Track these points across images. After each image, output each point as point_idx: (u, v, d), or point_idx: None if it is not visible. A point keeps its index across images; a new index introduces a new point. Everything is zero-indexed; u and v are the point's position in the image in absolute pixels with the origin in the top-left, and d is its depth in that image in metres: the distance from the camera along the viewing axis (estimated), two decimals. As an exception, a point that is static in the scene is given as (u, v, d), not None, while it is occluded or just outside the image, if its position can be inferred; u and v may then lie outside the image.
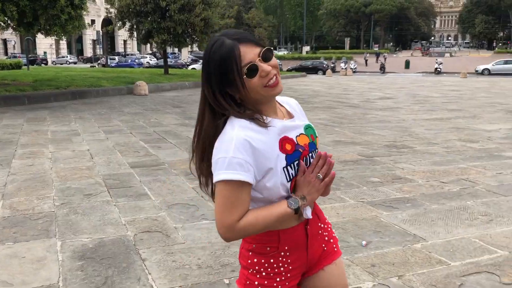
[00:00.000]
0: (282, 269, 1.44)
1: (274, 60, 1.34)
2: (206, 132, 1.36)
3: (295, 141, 1.38)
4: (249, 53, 1.30)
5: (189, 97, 15.74)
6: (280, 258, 1.43)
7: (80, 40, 69.56)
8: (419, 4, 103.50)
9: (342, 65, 41.60)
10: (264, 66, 1.31)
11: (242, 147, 1.27)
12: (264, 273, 1.44)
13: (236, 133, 1.29)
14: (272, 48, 1.32)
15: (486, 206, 4.43)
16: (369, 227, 3.87)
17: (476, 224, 3.95)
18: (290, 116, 1.46)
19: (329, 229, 1.59)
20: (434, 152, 6.99)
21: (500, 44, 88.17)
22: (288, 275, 1.45)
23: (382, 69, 43.17)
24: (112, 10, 23.41)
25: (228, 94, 1.33)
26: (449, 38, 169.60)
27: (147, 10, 21.71)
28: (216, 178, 1.29)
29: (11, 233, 3.67)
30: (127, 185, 5.05)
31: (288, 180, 1.34)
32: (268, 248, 1.43)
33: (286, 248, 1.43)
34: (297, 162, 1.36)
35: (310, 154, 1.41)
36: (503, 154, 6.87)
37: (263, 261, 1.44)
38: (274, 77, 1.33)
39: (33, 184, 5.05)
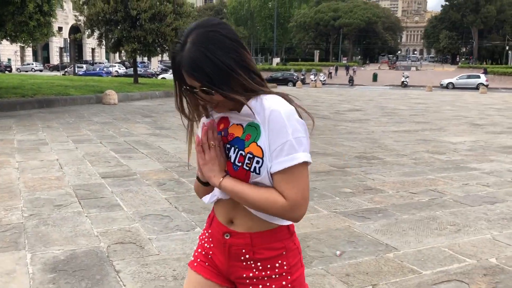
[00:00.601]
0: (204, 242, 1.49)
1: (217, 97, 1.27)
2: None
3: (229, 125, 1.35)
4: (188, 80, 1.29)
5: (160, 107, 15.61)
6: (208, 237, 1.47)
7: (46, 47, 68.10)
8: (386, 18, 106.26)
9: (312, 77, 42.19)
10: (201, 94, 1.29)
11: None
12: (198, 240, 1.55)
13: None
14: (210, 91, 1.26)
15: (454, 216, 4.56)
16: (342, 237, 3.92)
17: (445, 234, 4.06)
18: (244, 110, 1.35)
19: (263, 272, 1.36)
20: (403, 163, 7.16)
21: (463, 59, 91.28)
22: (209, 253, 1.45)
23: (351, 81, 43.98)
24: (81, 17, 23.07)
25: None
26: (415, 52, 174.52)
27: (117, 19, 21.50)
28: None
29: (-22, 246, 3.55)
30: (99, 195, 4.97)
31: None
32: (206, 220, 1.53)
33: (210, 231, 1.47)
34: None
35: (228, 146, 1.33)
36: (469, 165, 7.10)
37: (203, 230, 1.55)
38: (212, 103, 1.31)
39: (0, 195, 4.89)
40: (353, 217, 4.46)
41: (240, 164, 1.29)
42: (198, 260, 1.48)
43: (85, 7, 22.24)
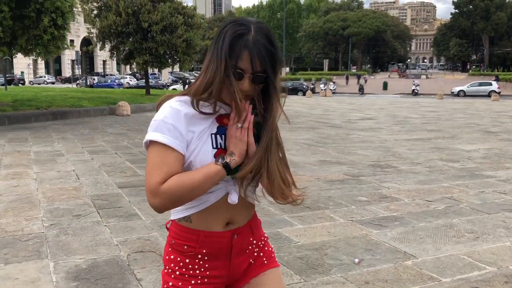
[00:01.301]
0: (197, 272, 1.38)
1: (259, 87, 1.31)
2: None
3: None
4: (247, 62, 1.27)
5: (172, 118, 15.73)
6: (197, 261, 1.37)
7: (58, 60, 69.01)
8: (395, 27, 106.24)
9: (322, 86, 42.22)
10: (245, 85, 1.28)
11: (175, 114, 1.30)
12: (178, 273, 1.38)
13: (172, 103, 1.33)
14: (265, 77, 1.30)
15: (472, 224, 4.54)
16: (360, 245, 3.93)
17: (463, 241, 4.05)
18: None
19: (261, 244, 1.50)
20: (418, 171, 7.14)
21: (473, 66, 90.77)
22: (205, 280, 1.38)
23: (361, 90, 43.94)
24: (93, 30, 23.41)
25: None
26: (425, 60, 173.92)
27: (129, 31, 21.78)
28: (145, 138, 1.32)
29: (2, 255, 3.61)
30: (117, 205, 5.03)
31: (214, 147, 1.31)
32: (186, 247, 1.37)
33: (205, 251, 1.37)
34: (224, 135, 1.33)
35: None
36: (483, 173, 7.07)
37: (179, 259, 1.38)
38: (247, 98, 1.32)
39: (20, 205, 4.98)
40: (370, 225, 4.47)
41: None
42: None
43: (97, 20, 22.59)
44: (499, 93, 36.09)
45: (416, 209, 5.05)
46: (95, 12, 22.78)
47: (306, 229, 4.31)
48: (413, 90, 41.16)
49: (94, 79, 48.85)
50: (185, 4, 24.03)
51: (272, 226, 4.33)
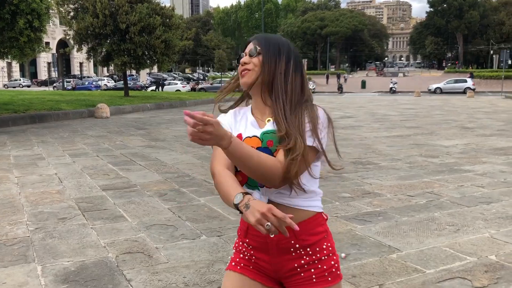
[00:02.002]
0: (246, 253, 1.56)
1: (258, 60, 1.52)
2: None
3: (242, 139, 1.50)
4: (249, 47, 1.56)
5: (152, 119, 15.65)
6: (246, 246, 1.56)
7: (34, 62, 67.75)
8: (372, 26, 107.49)
9: (301, 85, 42.32)
10: (244, 58, 1.55)
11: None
12: (233, 250, 1.62)
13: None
14: (257, 48, 1.54)
15: (452, 217, 4.67)
16: (346, 240, 4.01)
17: (445, 234, 4.17)
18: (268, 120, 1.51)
19: (312, 253, 1.50)
20: (398, 167, 7.28)
21: (449, 64, 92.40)
22: (252, 259, 1.53)
23: (340, 89, 44.32)
24: (70, 32, 23.09)
25: None
26: (402, 58, 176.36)
27: (107, 32, 21.55)
28: None
29: (-13, 260, 3.58)
30: (102, 207, 5.01)
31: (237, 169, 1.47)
32: (239, 233, 1.60)
33: (247, 241, 1.54)
34: None
35: None
36: (462, 168, 7.25)
37: (236, 240, 1.63)
38: (245, 69, 1.52)
39: (3, 210, 4.92)
40: (354, 220, 4.55)
41: None
42: (242, 264, 1.56)
43: (74, 21, 22.28)
44: (474, 89, 36.85)
45: (399, 204, 5.17)
46: (72, 14, 22.47)
47: (292, 226, 4.37)
48: (391, 88, 41.69)
49: (74, 82, 48.17)
50: (163, 5, 23.89)
51: (259, 224, 4.37)
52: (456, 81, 41.82)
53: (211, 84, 45.87)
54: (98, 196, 5.47)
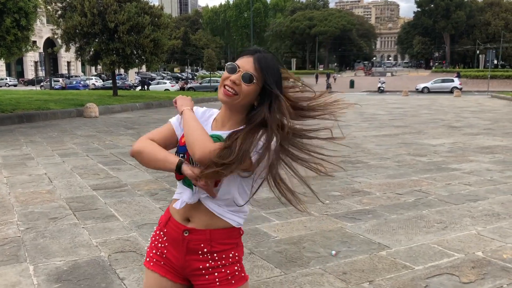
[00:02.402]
0: (160, 245, 1.65)
1: (250, 88, 1.53)
2: None
3: None
4: (246, 64, 1.54)
5: (141, 119, 15.61)
6: (162, 235, 1.65)
7: (20, 61, 66.98)
8: (361, 26, 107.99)
9: (290, 85, 42.49)
10: (235, 76, 1.53)
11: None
12: (150, 240, 1.71)
13: None
14: (254, 79, 1.52)
15: (440, 214, 4.75)
16: (336, 238, 4.06)
17: (433, 231, 4.24)
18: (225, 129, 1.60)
19: (218, 260, 1.59)
20: (387, 166, 7.37)
21: (436, 63, 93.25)
22: (164, 256, 1.63)
23: (328, 88, 44.54)
24: (57, 31, 22.90)
25: None
26: (390, 58, 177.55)
27: (95, 32, 21.42)
28: None
29: (-21, 260, 3.57)
30: (93, 207, 5.01)
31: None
32: (160, 222, 1.70)
33: (165, 231, 1.64)
34: (182, 155, 1.57)
35: None
36: (450, 166, 7.35)
37: (155, 228, 1.73)
38: (232, 89, 1.52)
39: (-7, 210, 4.89)
40: (345, 218, 4.61)
41: None
42: (154, 260, 1.65)
43: (62, 20, 22.11)
44: (461, 89, 37.25)
45: (388, 202, 5.24)
46: (59, 12, 22.29)
47: (284, 224, 4.42)
48: (379, 87, 41.96)
49: (64, 81, 47.70)
50: (151, 4, 23.81)
51: (250, 223, 4.41)
52: (443, 81, 42.28)
53: (200, 83, 45.78)
54: (89, 196, 5.47)
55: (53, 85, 43.79)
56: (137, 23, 21.48)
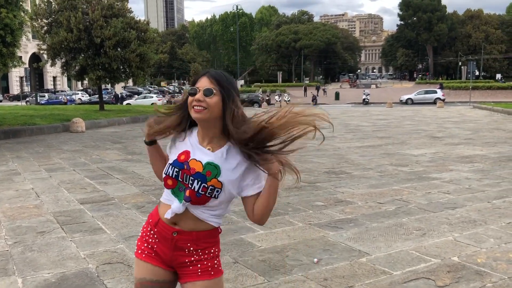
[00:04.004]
0: (150, 240, 1.86)
1: (213, 100, 1.73)
2: None
3: (189, 159, 1.78)
4: (203, 83, 1.76)
5: (128, 133, 15.66)
6: (151, 232, 1.86)
7: (5, 77, 66.46)
8: (345, 39, 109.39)
9: (276, 97, 42.90)
10: (199, 95, 1.74)
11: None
12: (140, 234, 1.93)
13: None
14: (213, 91, 1.75)
15: (419, 222, 4.92)
16: (318, 246, 4.19)
17: (412, 238, 4.40)
18: (214, 150, 1.79)
19: (202, 255, 1.83)
20: (370, 176, 7.54)
21: (420, 75, 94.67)
22: (154, 247, 1.84)
23: (314, 100, 44.94)
24: (43, 46, 22.92)
25: None
26: (374, 70, 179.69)
27: (81, 47, 21.50)
28: None
29: (-32, 274, 3.62)
30: (80, 220, 5.08)
31: (165, 173, 1.80)
32: (150, 220, 1.90)
33: (156, 230, 1.85)
34: (177, 170, 1.77)
35: (192, 178, 1.75)
36: (430, 175, 7.55)
37: (145, 225, 1.93)
38: (199, 106, 1.72)
39: (-20, 225, 4.94)
40: (327, 227, 4.75)
41: (203, 193, 1.74)
42: (146, 252, 1.87)
43: (48, 36, 22.16)
44: (443, 100, 37.92)
45: (369, 211, 5.39)
46: (45, 28, 22.34)
47: (268, 234, 4.54)
48: (364, 99, 42.52)
49: (67, 96, 47.73)
50: (138, 19, 23.96)
51: (235, 233, 4.53)
52: (427, 92, 43.01)
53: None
54: (76, 210, 5.54)
55: (39, 100, 43.47)
56: (123, 38, 21.61)
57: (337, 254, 3.99)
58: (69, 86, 73.06)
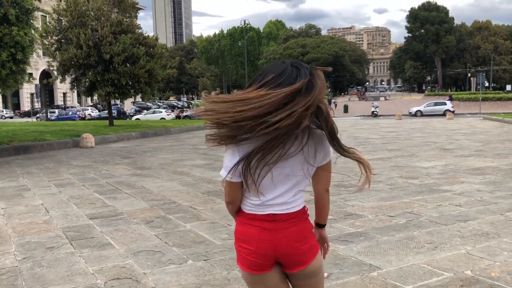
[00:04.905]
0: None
1: None
2: None
3: None
4: None
5: (137, 148, 15.73)
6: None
7: (16, 93, 67.36)
8: (353, 52, 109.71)
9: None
10: None
11: None
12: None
13: None
14: None
15: (430, 235, 4.84)
16: (328, 260, 4.14)
17: (423, 252, 4.33)
18: None
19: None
20: (380, 189, 7.48)
21: (429, 87, 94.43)
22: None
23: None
24: (53, 63, 23.24)
25: None
26: (382, 82, 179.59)
27: (90, 63, 21.76)
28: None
29: (-23, 290, 3.62)
30: (89, 236, 5.08)
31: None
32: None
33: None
34: None
35: None
36: (441, 188, 7.47)
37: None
38: None
39: (-10, 241, 4.95)
40: (337, 241, 4.70)
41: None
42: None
43: (58, 53, 22.47)
44: (453, 112, 37.72)
45: (380, 224, 5.33)
46: (55, 45, 22.67)
47: (277, 248, 4.49)
48: (373, 112, 42.44)
49: (86, 112, 48.35)
50: (146, 35, 24.24)
51: (244, 247, 4.49)
52: (436, 104, 42.84)
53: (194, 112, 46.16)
54: (85, 225, 5.54)
55: (49, 116, 43.93)
56: (132, 54, 21.86)
57: (347, 269, 3.93)
58: (79, 102, 73.84)
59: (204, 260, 4.20)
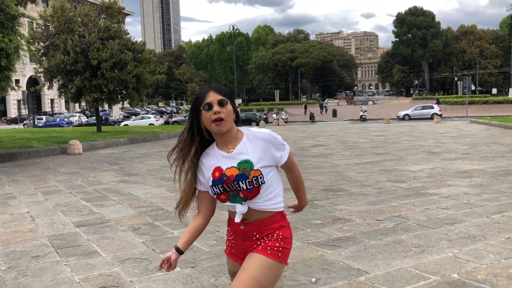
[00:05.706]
0: (230, 238, 2.23)
1: (228, 109, 2.02)
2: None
3: (223, 171, 2.04)
4: (212, 96, 2.02)
5: (125, 154, 15.62)
6: (230, 232, 2.22)
7: (3, 100, 66.67)
8: (341, 56, 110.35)
9: (274, 116, 43.05)
10: (215, 107, 1.99)
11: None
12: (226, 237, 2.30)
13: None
14: (227, 100, 2.04)
15: (418, 239, 4.86)
16: (316, 265, 4.13)
17: (411, 255, 4.34)
18: (237, 150, 2.06)
19: (265, 238, 2.10)
20: (368, 193, 7.50)
21: (416, 91, 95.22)
22: (232, 245, 2.21)
23: (312, 118, 45.09)
24: (40, 69, 23.05)
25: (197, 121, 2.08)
26: (371, 87, 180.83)
27: (78, 69, 21.62)
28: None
29: (-41, 301, 3.56)
30: (75, 244, 5.02)
31: (213, 194, 2.10)
32: (228, 223, 2.25)
33: (231, 227, 2.21)
34: (220, 185, 2.04)
35: (236, 182, 2.01)
36: (428, 191, 7.51)
37: (227, 228, 2.27)
38: (220, 118, 1.98)
39: (-26, 251, 4.87)
40: (325, 246, 4.69)
41: (251, 186, 2.01)
42: (228, 249, 2.24)
43: (44, 59, 22.30)
44: (440, 115, 38.05)
45: (367, 228, 5.34)
46: (42, 51, 22.50)
47: (265, 254, 4.47)
48: (361, 116, 42.65)
49: (42, 119, 47.49)
50: (134, 40, 24.15)
51: (232, 254, 4.46)
52: (424, 108, 43.21)
53: (184, 117, 46.02)
54: (71, 233, 5.47)
55: (36, 123, 43.52)
56: (120, 59, 21.77)
57: (335, 273, 3.93)
58: (67, 108, 73.28)
59: (192, 267, 4.17)
